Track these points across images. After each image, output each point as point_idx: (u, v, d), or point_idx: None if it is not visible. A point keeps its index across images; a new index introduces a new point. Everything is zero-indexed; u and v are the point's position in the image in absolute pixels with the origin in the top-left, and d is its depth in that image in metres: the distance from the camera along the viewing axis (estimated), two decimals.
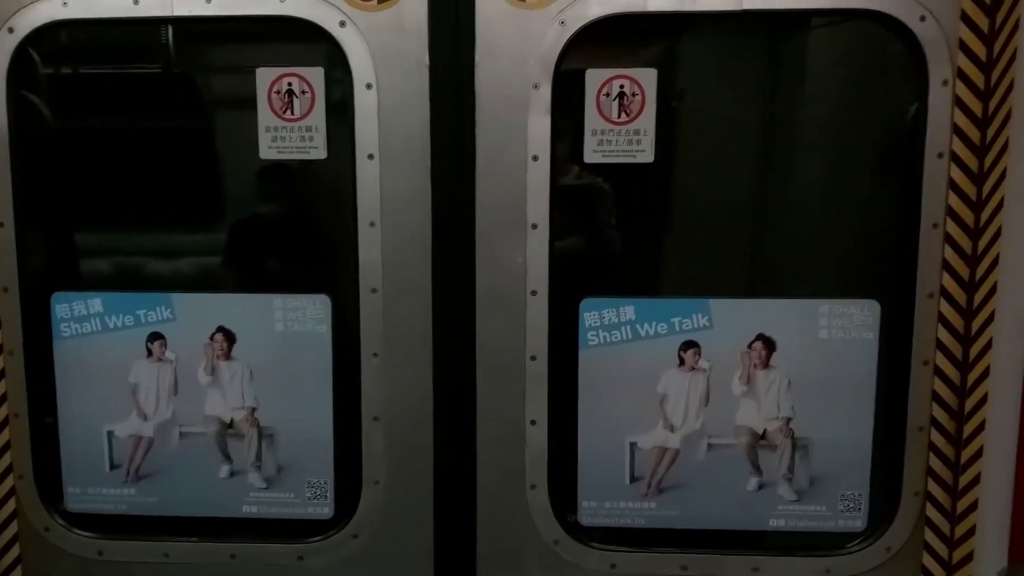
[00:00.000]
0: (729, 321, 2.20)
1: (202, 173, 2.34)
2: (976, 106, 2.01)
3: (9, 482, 2.32)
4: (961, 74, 2.01)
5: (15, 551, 2.35)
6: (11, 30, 2.14)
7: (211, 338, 2.27)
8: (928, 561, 2.19)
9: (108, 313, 2.27)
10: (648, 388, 2.23)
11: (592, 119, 2.12)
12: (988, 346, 2.05)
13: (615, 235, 2.31)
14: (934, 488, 2.16)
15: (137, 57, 2.27)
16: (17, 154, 2.21)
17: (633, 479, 2.28)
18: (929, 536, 2.18)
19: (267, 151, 2.17)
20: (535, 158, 2.12)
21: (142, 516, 2.37)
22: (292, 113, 2.15)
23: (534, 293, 2.18)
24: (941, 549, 2.17)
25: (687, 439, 2.25)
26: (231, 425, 2.31)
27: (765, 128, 2.26)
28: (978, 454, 2.09)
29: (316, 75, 2.14)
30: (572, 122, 2.13)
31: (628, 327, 2.21)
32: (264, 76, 2.15)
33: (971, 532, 2.12)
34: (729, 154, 2.25)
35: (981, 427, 2.09)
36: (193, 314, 2.27)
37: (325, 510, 2.33)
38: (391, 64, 2.10)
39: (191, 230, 2.39)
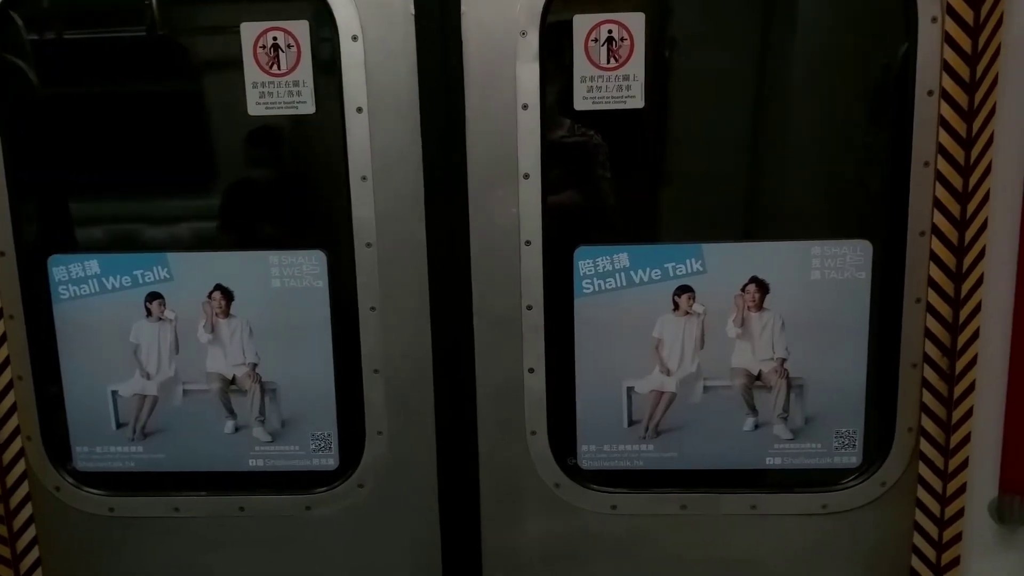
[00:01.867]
0: (722, 265, 2.21)
1: (192, 133, 2.32)
2: (965, 42, 1.98)
3: (18, 444, 2.36)
4: (950, 10, 1.98)
5: (27, 511, 2.40)
6: None
7: (209, 296, 2.29)
8: (922, 494, 2.23)
9: (105, 274, 2.28)
10: (644, 333, 2.25)
11: (581, 65, 2.10)
12: (979, 282, 2.05)
13: (607, 183, 2.29)
14: (927, 423, 2.19)
15: (122, 19, 2.23)
16: (6, 119, 2.20)
17: (631, 423, 2.31)
18: (923, 470, 2.21)
19: (255, 107, 2.15)
20: (525, 107, 2.11)
21: (150, 472, 2.40)
22: (278, 68, 2.13)
23: (528, 243, 2.19)
24: (935, 482, 2.21)
25: (683, 382, 2.28)
26: (233, 381, 2.34)
27: (754, 71, 2.23)
28: (970, 389, 2.11)
29: (301, 28, 2.12)
30: (561, 69, 2.11)
31: (622, 274, 2.22)
32: (249, 31, 2.12)
33: (964, 465, 2.15)
34: (719, 98, 2.23)
35: (973, 362, 2.10)
36: (190, 273, 2.28)
37: (330, 461, 2.37)
38: (376, 15, 2.08)
39: (184, 190, 2.38)
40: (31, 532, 2.41)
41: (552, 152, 2.16)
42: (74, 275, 2.29)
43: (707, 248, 2.20)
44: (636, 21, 2.08)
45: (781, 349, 2.25)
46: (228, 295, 2.29)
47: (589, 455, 2.34)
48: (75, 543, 2.44)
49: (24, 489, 2.39)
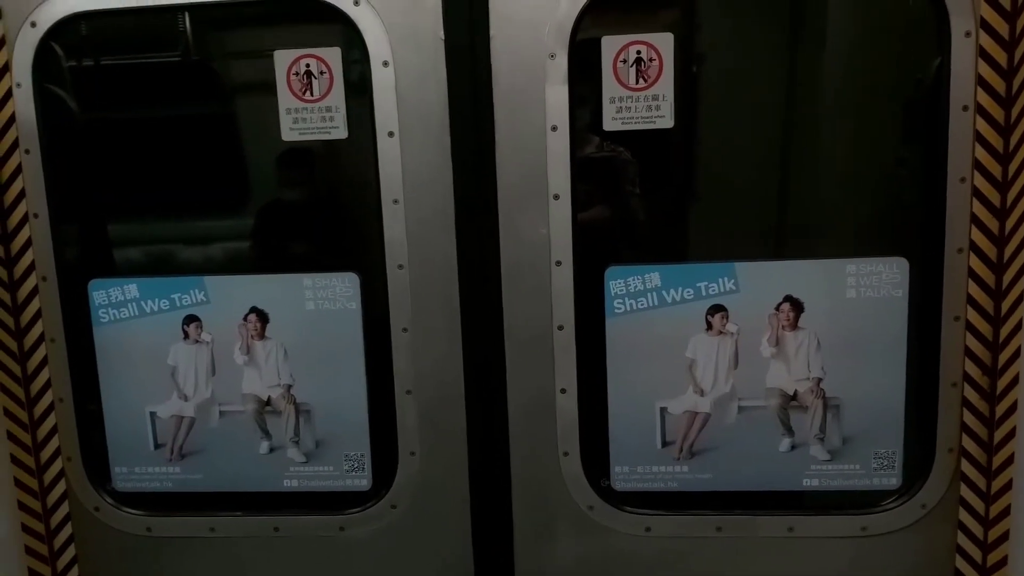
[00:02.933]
0: (756, 284, 2.19)
1: (227, 158, 2.37)
2: (1000, 56, 1.96)
3: (58, 464, 2.41)
4: (984, 24, 1.97)
5: (68, 530, 2.44)
6: (33, 24, 2.19)
7: (245, 319, 2.32)
8: (964, 516, 2.18)
9: (144, 298, 2.33)
10: (677, 353, 2.24)
11: (610, 86, 2.11)
12: (1020, 299, 2.02)
13: (638, 202, 2.30)
14: (968, 444, 2.15)
15: (157, 46, 2.30)
16: (48, 147, 2.26)
17: (665, 444, 2.29)
18: (965, 491, 2.17)
19: (289, 133, 2.20)
20: (554, 128, 2.12)
21: (187, 493, 2.44)
22: (311, 94, 2.17)
23: (559, 263, 2.19)
24: (977, 504, 2.16)
25: (717, 402, 2.26)
26: (269, 402, 2.37)
27: (786, 88, 2.23)
28: (1012, 408, 2.07)
29: (333, 55, 2.16)
30: (590, 91, 2.12)
31: (654, 294, 2.21)
32: (282, 58, 2.17)
33: (1007, 486, 2.10)
34: (750, 115, 2.22)
35: (1015, 381, 2.06)
36: (226, 296, 2.32)
37: (363, 482, 2.39)
38: (407, 41, 2.11)
39: (220, 215, 2.43)
40: (71, 552, 2.45)
41: (582, 172, 2.17)
42: (114, 299, 2.33)
43: (740, 267, 2.19)
44: (665, 41, 2.09)
45: (817, 368, 2.22)
46: (263, 317, 2.32)
47: (622, 476, 2.32)
48: (114, 562, 2.48)
49: (64, 509, 2.43)
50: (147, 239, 2.44)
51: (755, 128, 2.24)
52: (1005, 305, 2.05)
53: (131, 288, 2.33)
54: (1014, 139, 1.98)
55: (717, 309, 2.21)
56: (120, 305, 2.33)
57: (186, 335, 2.34)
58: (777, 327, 2.21)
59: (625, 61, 2.10)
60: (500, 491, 2.32)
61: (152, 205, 2.43)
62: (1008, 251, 2.03)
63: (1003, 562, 2.14)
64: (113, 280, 2.33)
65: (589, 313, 2.22)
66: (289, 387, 2.35)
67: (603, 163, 2.22)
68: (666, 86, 2.10)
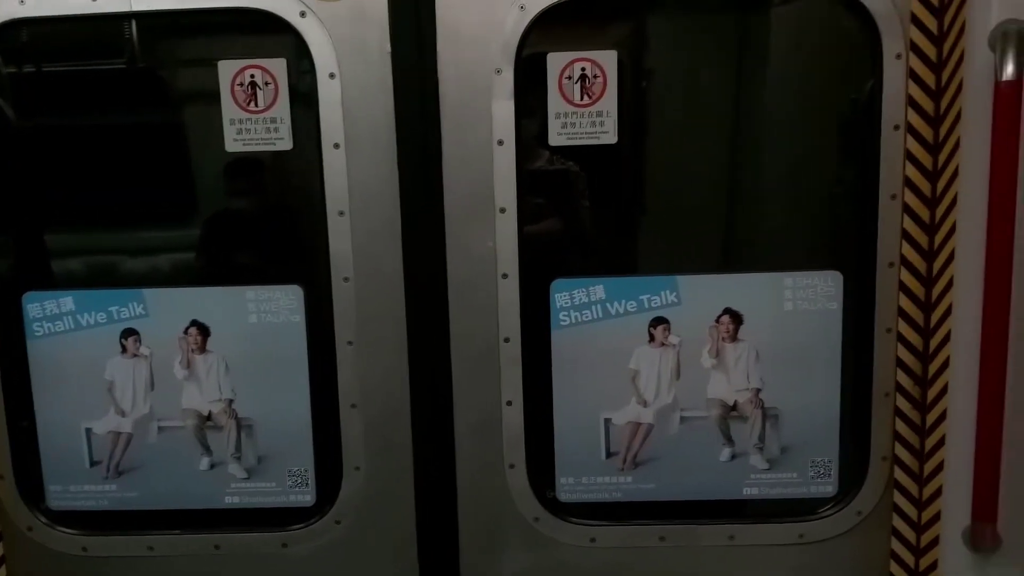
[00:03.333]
0: (697, 297, 2.23)
1: (168, 168, 2.33)
2: (929, 78, 2.04)
3: None
4: (914, 47, 2.04)
5: None
6: None
7: (185, 332, 2.28)
8: (898, 522, 2.24)
9: (80, 311, 2.27)
10: (620, 365, 2.27)
11: (555, 102, 2.13)
12: (948, 312, 2.08)
13: (583, 216, 2.33)
14: (901, 452, 2.21)
15: (99, 53, 2.25)
16: None
17: (609, 454, 2.31)
18: (898, 498, 2.23)
19: (232, 144, 2.17)
20: (500, 142, 2.13)
21: (124, 511, 2.38)
22: (256, 105, 2.15)
23: (505, 276, 2.20)
24: (910, 510, 2.22)
25: (660, 413, 2.29)
26: (209, 417, 2.33)
27: (726, 107, 2.28)
28: (942, 417, 2.13)
29: (279, 66, 2.15)
30: (536, 106, 2.15)
31: (599, 306, 2.24)
32: (226, 68, 2.15)
33: (938, 493, 2.16)
34: (692, 133, 2.28)
35: (944, 390, 2.12)
36: (166, 309, 2.28)
37: (307, 498, 2.36)
38: (353, 53, 2.11)
39: (160, 226, 2.39)
40: (2, 573, 2.36)
41: (528, 186, 2.19)
42: (49, 312, 2.27)
43: (682, 280, 2.23)
44: (609, 59, 2.12)
45: (756, 379, 2.27)
46: (204, 331, 2.28)
47: (568, 488, 2.33)
48: None
49: None
50: (84, 250, 2.39)
51: (696, 145, 2.29)
52: (934, 317, 2.12)
53: (67, 301, 2.27)
54: (942, 157, 2.05)
55: (659, 321, 2.25)
56: (55, 318, 2.27)
57: (124, 349, 2.29)
58: (717, 339, 2.25)
59: (570, 78, 2.13)
60: (446, 505, 2.32)
61: (90, 216, 2.37)
62: (937, 265, 2.10)
63: (934, 566, 2.20)
64: (48, 293, 2.27)
65: (535, 326, 2.24)
66: (231, 402, 2.32)
67: (549, 177, 2.24)
68: (610, 103, 2.13)
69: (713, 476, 2.31)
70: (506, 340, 2.23)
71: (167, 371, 2.30)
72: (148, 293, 2.27)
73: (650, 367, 2.27)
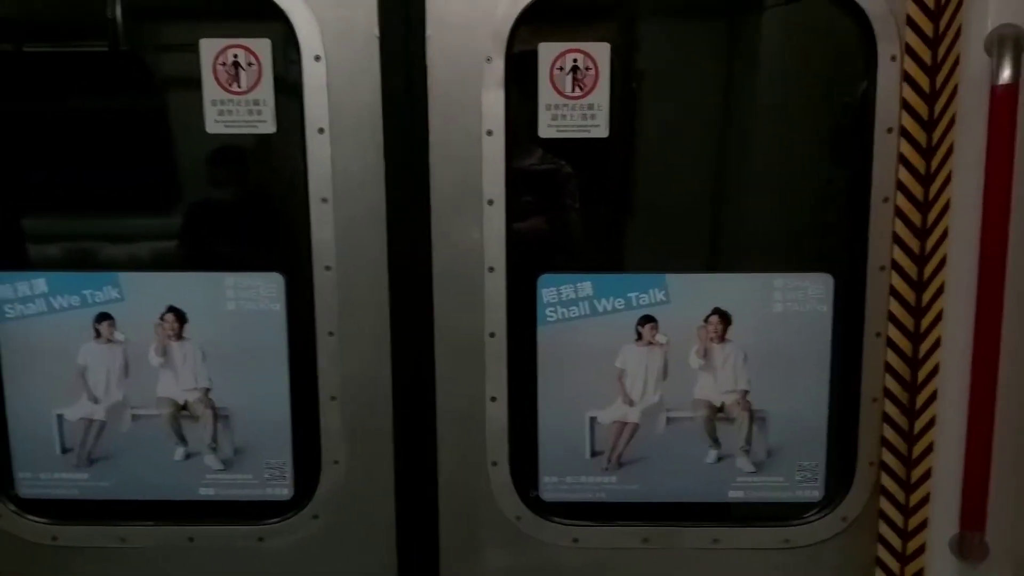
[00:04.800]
0: (686, 296, 2.21)
1: (147, 150, 2.29)
2: (924, 81, 2.02)
3: None
4: (909, 49, 2.03)
5: None
6: None
7: (161, 318, 2.24)
8: (884, 529, 2.22)
9: (53, 293, 2.22)
10: (607, 363, 2.24)
11: (546, 93, 2.10)
12: (939, 317, 2.06)
13: (572, 211, 2.30)
14: (888, 457, 2.19)
15: (79, 34, 2.21)
16: None
17: (593, 454, 2.28)
18: (884, 504, 2.21)
19: (213, 125, 2.13)
20: (489, 133, 2.10)
21: (96, 500, 2.33)
22: (239, 86, 2.10)
23: (491, 269, 2.17)
24: (896, 517, 2.20)
25: (646, 413, 2.26)
26: (185, 406, 2.28)
27: (719, 107, 2.26)
28: (931, 423, 2.12)
29: (263, 46, 2.10)
30: (527, 96, 2.11)
31: (586, 303, 2.21)
32: (208, 48, 2.10)
33: (925, 500, 2.14)
34: (683, 130, 2.25)
35: (933, 397, 2.11)
36: (142, 294, 2.23)
37: (284, 491, 2.32)
38: (340, 36, 2.07)
39: (139, 209, 2.34)
40: None
41: (517, 179, 2.15)
42: (20, 294, 2.22)
43: (671, 278, 2.20)
44: (601, 51, 2.09)
45: (743, 381, 2.24)
46: (181, 317, 2.23)
47: (551, 486, 2.30)
48: (16, 573, 2.35)
49: None
50: (59, 232, 2.34)
51: (688, 143, 2.27)
52: (925, 322, 2.10)
53: (39, 283, 2.22)
54: (935, 161, 2.03)
55: (647, 320, 2.22)
56: (27, 300, 2.22)
57: (98, 334, 2.24)
58: (705, 339, 2.22)
59: (562, 68, 2.09)
60: (426, 501, 2.28)
61: (66, 196, 2.32)
62: (928, 270, 2.08)
63: (919, 574, 2.18)
64: (20, 274, 2.22)
65: (521, 320, 2.21)
66: (207, 391, 2.27)
67: (538, 171, 2.21)
68: (602, 96, 2.10)
69: (698, 478, 2.29)
70: (491, 335, 2.19)
71: (142, 358, 2.25)
72: (123, 277, 2.22)
73: (637, 366, 2.24)
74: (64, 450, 2.31)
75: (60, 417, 2.29)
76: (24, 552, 2.34)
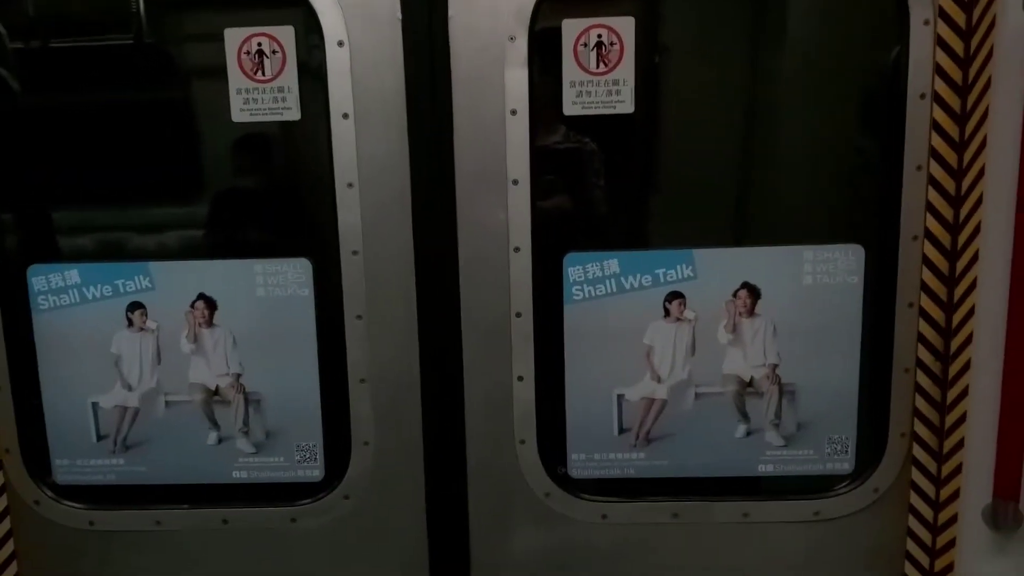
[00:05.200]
0: (713, 271, 2.19)
1: (174, 140, 2.28)
2: (958, 45, 1.98)
3: None
4: (942, 13, 1.98)
5: (6, 524, 2.35)
6: None
7: (192, 306, 2.25)
8: (915, 500, 2.21)
9: (86, 284, 2.24)
10: (634, 340, 2.23)
11: (570, 70, 2.08)
12: (972, 286, 2.04)
13: (597, 188, 2.28)
14: (920, 429, 2.18)
15: (106, 27, 2.20)
16: None
17: (621, 431, 2.29)
18: (916, 476, 2.20)
19: (239, 114, 2.12)
20: (513, 112, 2.08)
21: (131, 485, 2.36)
22: (263, 74, 2.10)
23: (517, 249, 2.16)
24: (928, 488, 2.19)
25: (674, 389, 2.26)
26: (217, 392, 2.30)
27: (746, 76, 2.22)
28: (964, 394, 2.10)
29: (286, 34, 2.09)
30: (551, 74, 2.09)
31: (613, 280, 2.20)
32: (233, 37, 2.09)
33: (957, 470, 2.13)
34: (710, 103, 2.22)
35: (967, 367, 2.08)
36: (172, 282, 2.24)
37: (315, 472, 2.34)
38: (363, 21, 2.05)
39: (168, 199, 2.34)
40: (9, 547, 2.36)
41: (541, 158, 2.14)
42: (54, 285, 2.24)
43: (698, 254, 2.18)
44: (626, 25, 2.06)
45: (773, 355, 2.23)
46: (211, 304, 2.25)
47: (579, 464, 2.31)
48: (55, 558, 2.39)
49: (3, 503, 2.34)
50: (90, 224, 2.34)
51: (715, 115, 2.23)
52: (958, 292, 2.07)
53: (72, 274, 2.23)
54: (969, 127, 1.99)
55: (675, 296, 2.20)
56: (60, 291, 2.24)
57: (130, 323, 2.26)
58: (734, 314, 2.21)
59: (586, 45, 2.07)
60: (456, 480, 2.29)
61: (95, 189, 2.33)
62: (962, 239, 2.05)
63: (951, 544, 2.18)
64: (53, 265, 2.24)
65: (547, 300, 2.20)
66: (238, 376, 2.29)
67: (563, 149, 2.19)
68: (627, 71, 2.07)
69: (728, 453, 2.28)
70: (518, 315, 2.19)
71: (174, 345, 2.27)
72: (154, 266, 2.24)
73: (665, 342, 2.23)
74: (99, 437, 2.34)
75: (95, 405, 2.32)
76: (62, 537, 2.38)
